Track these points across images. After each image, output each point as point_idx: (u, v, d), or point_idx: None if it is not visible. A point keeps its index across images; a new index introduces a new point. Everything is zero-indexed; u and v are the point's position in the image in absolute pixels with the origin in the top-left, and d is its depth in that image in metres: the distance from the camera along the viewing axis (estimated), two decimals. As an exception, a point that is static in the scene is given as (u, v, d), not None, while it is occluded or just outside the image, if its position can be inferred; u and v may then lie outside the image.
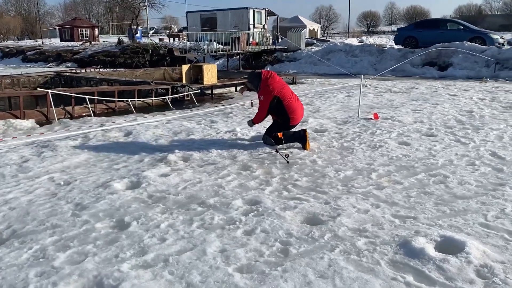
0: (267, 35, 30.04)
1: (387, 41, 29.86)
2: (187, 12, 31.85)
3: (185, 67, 12.12)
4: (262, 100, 6.10)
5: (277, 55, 23.64)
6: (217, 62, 24.50)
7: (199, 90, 11.75)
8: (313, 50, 22.94)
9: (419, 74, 18.14)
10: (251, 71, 6.68)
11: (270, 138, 6.19)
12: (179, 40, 32.96)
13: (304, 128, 6.45)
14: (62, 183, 4.77)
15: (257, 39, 27.14)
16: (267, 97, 6.08)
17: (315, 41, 28.13)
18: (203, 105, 10.76)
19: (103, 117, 8.94)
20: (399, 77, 17.44)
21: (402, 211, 3.89)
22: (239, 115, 8.88)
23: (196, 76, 12.45)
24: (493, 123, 7.67)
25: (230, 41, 21.67)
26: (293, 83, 15.30)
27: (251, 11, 29.20)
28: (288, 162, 5.38)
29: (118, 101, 10.09)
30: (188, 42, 27.60)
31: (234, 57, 24.22)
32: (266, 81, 6.18)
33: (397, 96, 11.46)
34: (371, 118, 8.23)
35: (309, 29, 36.99)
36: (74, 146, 6.35)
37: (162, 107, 10.66)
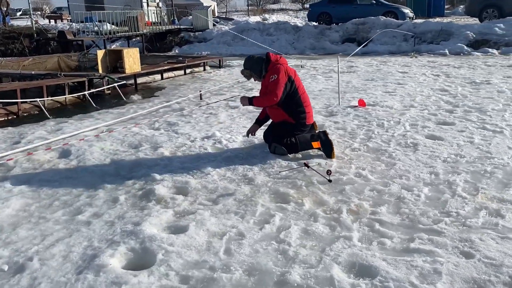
0: (163, 14, 27.43)
1: (289, 19, 29.22)
2: (67, -11, 27.78)
3: (100, 53, 9.75)
4: (275, 79, 4.54)
5: (184, 35, 21.52)
6: (114, 46, 21.64)
7: (124, 82, 9.53)
8: (223, 29, 21.25)
9: (340, 51, 17.54)
10: (248, 56, 4.94)
11: (282, 147, 4.61)
12: (62, 21, 28.79)
13: (322, 129, 4.99)
14: (6, 267, 2.73)
15: (153, 18, 24.55)
16: (281, 75, 4.56)
17: (218, 20, 26.40)
18: (135, 101, 8.65)
19: (8, 128, 6.46)
20: (321, 55, 16.67)
21: None
22: (197, 112, 7.07)
23: (115, 63, 10.14)
24: (488, 102, 6.94)
25: (127, 21, 19.04)
26: (220, 67, 13.61)
27: (142, -13, 26.36)
28: (330, 180, 3.89)
29: (22, 102, 7.55)
30: (74, 24, 24.05)
31: (134, 39, 21.56)
32: (277, 62, 4.62)
33: (347, 77, 10.48)
34: (356, 106, 7.03)
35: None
36: (-10, 184, 4.14)
37: (80, 106, 8.33)
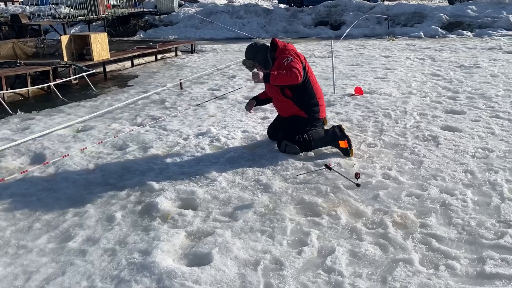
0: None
1: (257, 0, 28.39)
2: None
3: (64, 39, 8.80)
4: (291, 60, 3.94)
5: (148, 18, 20.41)
6: (73, 30, 20.32)
7: (94, 71, 8.65)
8: (190, 12, 20.30)
9: (314, 35, 17.10)
10: (250, 44, 4.27)
11: (294, 145, 4.06)
12: (12, 4, 26.85)
13: (335, 122, 4.48)
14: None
15: (113, 1, 23.18)
16: (296, 58, 3.99)
17: (183, 2, 25.29)
18: (109, 92, 7.85)
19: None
20: (295, 39, 16.11)
21: None
22: (181, 104, 6.40)
23: (81, 50, 9.22)
24: (488, 87, 6.64)
25: (86, 3, 17.80)
26: (192, 52, 12.84)
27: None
28: (358, 184, 3.40)
29: (-23, 96, 6.62)
30: (27, 7, 22.46)
31: (95, 24, 20.31)
32: (285, 48, 4.04)
33: (331, 62, 9.98)
34: (353, 94, 6.58)
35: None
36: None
37: (45, 99, 7.46)
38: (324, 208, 3.10)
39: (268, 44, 4.18)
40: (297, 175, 3.67)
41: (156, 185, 3.55)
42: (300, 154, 4.11)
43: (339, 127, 4.19)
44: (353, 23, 16.78)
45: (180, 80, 7.51)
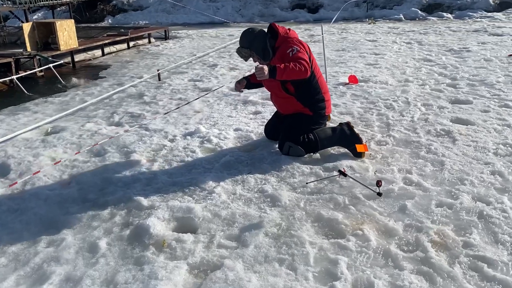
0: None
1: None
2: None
3: (26, 27, 7.99)
4: (297, 51, 3.41)
5: (116, 3, 19.43)
6: (35, 16, 19.16)
7: (61, 62, 7.90)
8: (161, -5, 19.39)
9: (291, 19, 16.58)
10: (246, 30, 3.71)
11: (298, 147, 3.59)
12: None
13: (336, 117, 4.03)
14: None
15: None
16: (302, 49, 3.47)
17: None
18: (79, 85, 7.15)
19: None
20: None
21: None
22: (162, 98, 5.82)
23: (46, 38, 8.43)
24: (486, 73, 6.32)
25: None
26: (166, 38, 12.14)
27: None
28: (380, 193, 2.96)
29: None
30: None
31: (59, 9, 19.16)
32: (287, 36, 3.52)
33: (315, 48, 9.54)
34: (347, 83, 6.14)
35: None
36: None
37: (8, 95, 6.73)
38: (347, 226, 2.65)
39: (266, 30, 3.65)
40: (306, 183, 3.20)
41: (144, 201, 3.02)
42: (305, 156, 3.64)
43: (347, 124, 3.74)
44: (331, 5, 16.34)
45: (158, 70, 6.89)
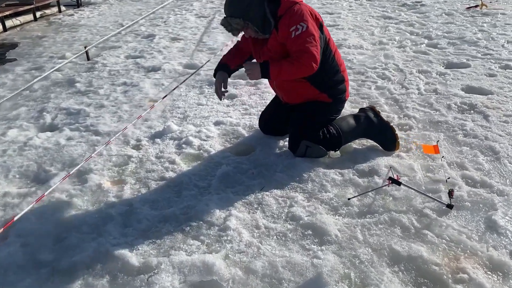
0: None
1: None
2: None
3: None
4: (304, 31, 2.50)
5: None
6: None
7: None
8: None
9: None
10: None
11: (319, 146, 2.74)
12: None
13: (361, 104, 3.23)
14: None
15: None
16: (311, 23, 2.56)
17: None
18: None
19: None
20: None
21: None
22: (100, 83, 4.60)
23: None
24: (458, 29, 5.84)
25: None
26: (78, 5, 10.42)
27: None
28: (451, 206, 2.25)
29: None
30: None
31: None
32: (294, 1, 2.56)
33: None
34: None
35: None
36: None
37: None
38: (441, 267, 1.90)
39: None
40: (348, 199, 2.39)
41: (132, 257, 2.03)
42: (328, 153, 2.82)
43: (372, 109, 2.94)
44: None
45: (85, 47, 5.56)
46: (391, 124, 2.91)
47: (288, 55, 2.56)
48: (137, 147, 3.11)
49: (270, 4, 2.62)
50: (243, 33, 2.74)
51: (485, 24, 6.05)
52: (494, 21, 6.19)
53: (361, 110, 2.97)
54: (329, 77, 2.74)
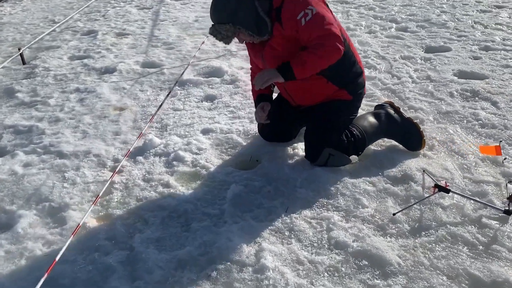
0: None
1: None
2: None
3: None
4: (315, 14, 2.12)
5: None
6: None
7: None
8: None
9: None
10: None
11: (342, 154, 2.38)
12: None
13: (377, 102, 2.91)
14: None
15: None
16: (316, 2, 2.20)
17: None
18: None
19: None
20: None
21: None
22: (47, 90, 3.91)
23: None
24: (419, 11, 5.72)
25: None
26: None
27: None
28: (509, 212, 1.99)
29: None
30: None
31: None
32: None
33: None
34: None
35: None
36: None
37: None
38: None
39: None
40: (393, 214, 2.05)
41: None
42: (348, 159, 2.46)
43: (392, 105, 2.62)
44: None
45: (19, 49, 4.77)
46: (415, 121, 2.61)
47: (296, 49, 2.17)
48: (116, 169, 2.56)
49: (260, 1, 2.19)
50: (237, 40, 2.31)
51: (444, 5, 5.98)
52: (451, 2, 6.14)
53: (379, 106, 2.65)
54: (347, 70, 2.37)
